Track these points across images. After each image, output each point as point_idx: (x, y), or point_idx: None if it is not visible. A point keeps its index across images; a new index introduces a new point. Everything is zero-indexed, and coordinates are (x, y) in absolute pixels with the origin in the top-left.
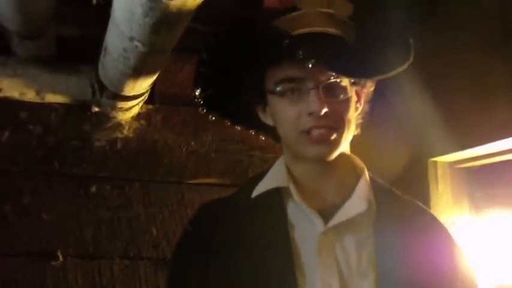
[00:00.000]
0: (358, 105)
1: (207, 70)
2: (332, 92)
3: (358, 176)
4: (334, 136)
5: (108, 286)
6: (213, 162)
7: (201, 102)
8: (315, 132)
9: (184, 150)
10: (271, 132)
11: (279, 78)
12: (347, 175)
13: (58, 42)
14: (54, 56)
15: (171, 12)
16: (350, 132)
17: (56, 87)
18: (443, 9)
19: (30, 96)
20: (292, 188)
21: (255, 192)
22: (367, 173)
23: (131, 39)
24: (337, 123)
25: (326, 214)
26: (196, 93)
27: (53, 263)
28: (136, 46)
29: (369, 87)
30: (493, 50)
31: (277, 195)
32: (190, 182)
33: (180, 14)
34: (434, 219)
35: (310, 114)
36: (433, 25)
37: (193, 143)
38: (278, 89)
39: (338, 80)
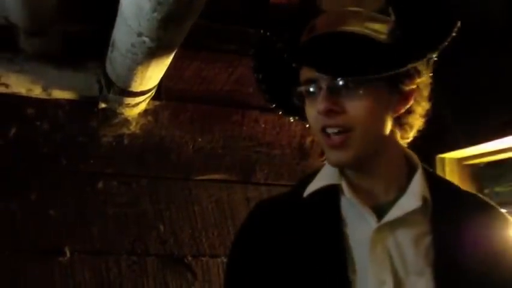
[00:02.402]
0: (402, 106)
1: (261, 71)
2: (343, 92)
3: (413, 171)
4: (348, 139)
5: (115, 282)
6: (220, 159)
7: (268, 98)
8: (332, 136)
9: (191, 146)
10: None
11: (302, 80)
12: (400, 171)
13: (65, 39)
14: (61, 52)
15: (180, 8)
16: (373, 132)
17: (63, 84)
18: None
19: (37, 92)
20: (344, 184)
21: (308, 191)
22: (421, 168)
23: (139, 34)
24: (350, 124)
25: (380, 211)
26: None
27: (60, 259)
28: (144, 41)
29: (419, 83)
30: (499, 49)
31: (331, 193)
32: (197, 178)
33: (189, 9)
34: (498, 213)
35: (319, 113)
36: None
37: (200, 139)
38: (303, 89)
39: (343, 81)
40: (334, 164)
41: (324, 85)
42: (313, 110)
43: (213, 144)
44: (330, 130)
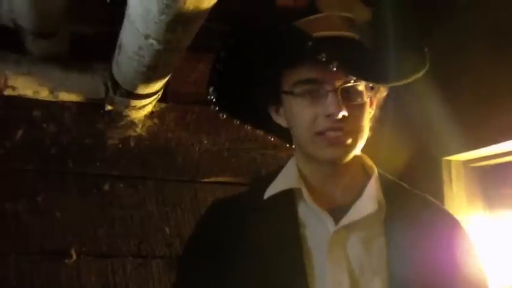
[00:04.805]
0: (370, 110)
1: (223, 68)
2: (349, 96)
3: (368, 175)
4: (349, 140)
5: (121, 284)
6: (226, 161)
7: (214, 100)
8: (331, 134)
9: (197, 148)
10: (283, 133)
11: (298, 80)
12: (357, 175)
13: (72, 41)
14: (67, 54)
15: (187, 10)
16: (364, 136)
17: (70, 86)
18: (455, 13)
19: (43, 94)
20: (304, 189)
21: (267, 194)
22: (376, 172)
23: (146, 37)
24: (352, 127)
25: (337, 214)
26: (210, 91)
27: (66, 261)
28: (152, 44)
29: (382, 92)
30: (504, 52)
31: (289, 196)
32: (203, 180)
33: (196, 12)
34: (444, 213)
35: (328, 116)
36: (445, 29)
37: (206, 141)
38: (296, 90)
39: (356, 84)
40: (329, 160)
41: (332, 88)
42: (311, 112)
43: (219, 147)
44: (333, 133)
